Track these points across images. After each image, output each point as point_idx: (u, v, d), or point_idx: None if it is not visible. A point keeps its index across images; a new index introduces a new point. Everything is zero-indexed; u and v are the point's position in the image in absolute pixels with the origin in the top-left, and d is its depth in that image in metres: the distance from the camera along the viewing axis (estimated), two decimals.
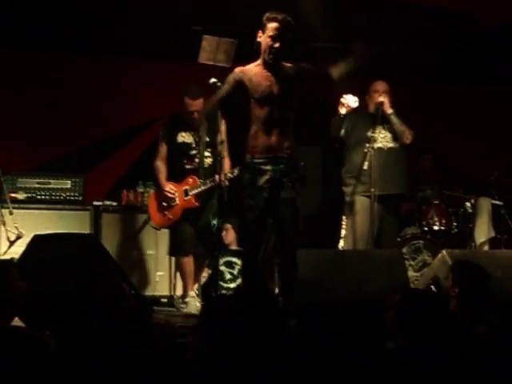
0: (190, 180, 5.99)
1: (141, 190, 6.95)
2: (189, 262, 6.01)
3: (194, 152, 6.03)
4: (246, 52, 7.00)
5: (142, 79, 7.67)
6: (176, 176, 6.04)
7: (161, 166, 6.08)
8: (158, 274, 6.72)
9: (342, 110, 5.86)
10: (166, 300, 6.69)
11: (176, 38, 7.00)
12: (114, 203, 6.89)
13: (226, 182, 5.74)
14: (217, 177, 5.57)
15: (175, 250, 6.16)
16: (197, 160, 6.01)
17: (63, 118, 7.53)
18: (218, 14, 6.65)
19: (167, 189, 6.00)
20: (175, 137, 6.07)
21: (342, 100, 5.80)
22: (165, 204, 6.03)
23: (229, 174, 5.80)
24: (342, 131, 6.25)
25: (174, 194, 5.98)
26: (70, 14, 6.69)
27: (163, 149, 6.10)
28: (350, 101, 5.73)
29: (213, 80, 5.50)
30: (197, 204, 5.94)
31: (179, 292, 6.66)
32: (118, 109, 7.62)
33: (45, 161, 7.37)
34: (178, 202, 6.00)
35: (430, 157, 7.81)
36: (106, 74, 7.64)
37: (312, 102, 8.05)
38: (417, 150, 7.46)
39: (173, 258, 6.49)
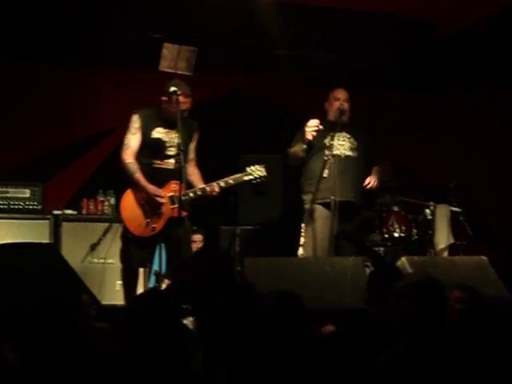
0: (175, 186, 5.48)
1: (101, 198, 6.91)
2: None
3: (167, 153, 5.57)
4: (206, 60, 7.09)
5: (103, 87, 7.63)
6: (146, 176, 5.53)
7: (135, 163, 5.53)
8: (118, 283, 6.65)
9: (309, 136, 5.94)
10: None
11: (136, 46, 6.97)
12: (74, 212, 6.84)
13: (216, 191, 5.56)
14: (207, 187, 5.50)
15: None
16: (171, 161, 5.53)
17: (22, 126, 7.46)
18: (178, 21, 6.64)
19: (157, 193, 5.48)
20: (151, 131, 5.59)
21: (306, 128, 5.88)
22: (146, 211, 5.54)
23: (222, 184, 5.58)
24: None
25: (163, 198, 5.48)
26: (30, 21, 6.62)
27: (136, 142, 5.56)
28: (313, 125, 5.83)
29: (173, 89, 5.51)
30: (185, 213, 5.46)
31: None
32: (79, 117, 7.57)
33: (3, 169, 7.28)
34: (163, 210, 5.53)
35: (389, 163, 7.87)
36: (66, 81, 7.59)
37: (274, 111, 8.14)
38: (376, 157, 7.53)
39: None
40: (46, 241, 6.44)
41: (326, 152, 6.14)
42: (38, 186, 6.76)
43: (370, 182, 6.40)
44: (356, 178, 6.37)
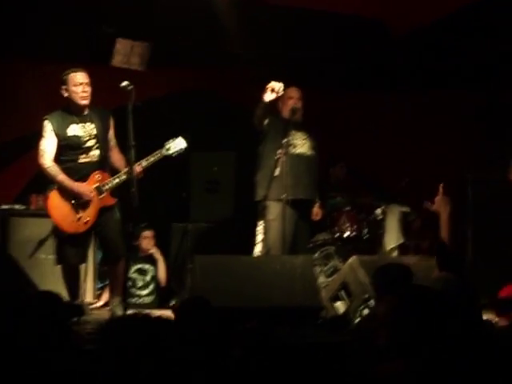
0: (99, 176, 5.57)
1: None
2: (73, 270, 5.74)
3: (88, 145, 5.57)
4: (161, 56, 7.04)
5: (53, 83, 7.51)
6: (71, 173, 5.54)
7: (55, 165, 5.51)
8: None
9: (268, 97, 5.93)
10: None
11: (88, 40, 6.88)
12: (23, 207, 6.73)
13: (138, 171, 5.52)
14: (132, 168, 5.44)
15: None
16: (94, 153, 5.58)
17: None
18: (131, 16, 6.58)
19: (83, 189, 5.50)
20: (65, 130, 5.56)
21: (269, 85, 5.87)
22: (75, 207, 5.52)
23: (144, 163, 5.57)
24: (265, 122, 6.26)
25: (91, 194, 5.51)
26: None
27: (51, 145, 5.53)
28: (277, 86, 5.82)
29: (125, 83, 5.47)
30: (114, 201, 5.57)
31: (89, 298, 6.61)
32: (28, 111, 7.43)
33: None
34: (92, 202, 5.54)
35: (344, 164, 7.94)
36: (16, 75, 7.46)
37: (227, 108, 8.12)
38: (329, 157, 7.59)
39: (82, 266, 6.36)
40: None
41: (279, 150, 6.16)
42: None
43: (318, 214, 6.53)
44: (314, 176, 6.47)
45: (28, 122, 7.49)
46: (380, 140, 8.63)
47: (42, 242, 6.53)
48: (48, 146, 5.54)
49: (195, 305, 3.60)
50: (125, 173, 5.54)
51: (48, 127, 5.56)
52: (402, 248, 7.57)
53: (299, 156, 6.34)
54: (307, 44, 7.21)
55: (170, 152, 5.71)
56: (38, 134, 5.62)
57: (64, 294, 5.99)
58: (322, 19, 6.71)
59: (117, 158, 5.74)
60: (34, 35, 6.74)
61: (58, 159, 5.56)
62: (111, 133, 5.76)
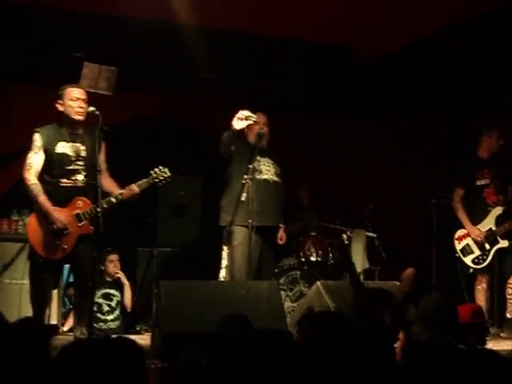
0: (80, 202, 5.43)
1: (15, 218, 6.75)
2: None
3: (73, 167, 5.44)
4: (126, 80, 7.05)
5: (20, 106, 7.50)
6: (51, 195, 5.39)
7: (38, 185, 5.35)
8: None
9: (238, 125, 5.96)
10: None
11: (56, 64, 6.88)
12: None
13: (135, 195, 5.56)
14: (115, 194, 5.46)
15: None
16: (79, 177, 5.45)
17: None
18: (99, 41, 6.60)
19: (58, 217, 5.34)
20: (54, 146, 5.43)
21: (239, 114, 5.92)
22: (53, 232, 5.37)
23: (135, 187, 5.56)
24: (232, 148, 6.29)
25: (64, 225, 5.35)
26: None
27: (39, 161, 5.40)
28: (247, 114, 5.87)
29: (91, 108, 5.47)
30: (91, 230, 5.33)
31: (54, 322, 6.56)
32: None
33: None
34: (70, 229, 5.39)
35: (308, 188, 8.01)
36: None
37: (195, 133, 8.15)
38: (294, 181, 7.63)
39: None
40: None
41: (245, 176, 6.18)
42: None
43: (282, 239, 6.59)
44: (280, 203, 6.51)
45: None
46: (346, 165, 8.71)
47: (6, 267, 6.48)
48: (35, 160, 5.41)
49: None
50: (106, 201, 5.43)
51: (38, 141, 5.44)
52: (366, 273, 7.63)
53: (265, 182, 6.38)
54: (273, 70, 7.27)
55: (157, 180, 5.70)
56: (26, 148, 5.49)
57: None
58: (287, 46, 6.78)
59: (107, 182, 5.63)
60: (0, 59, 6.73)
61: (41, 177, 5.42)
62: (102, 155, 5.62)
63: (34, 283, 5.59)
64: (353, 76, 7.40)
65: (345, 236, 7.51)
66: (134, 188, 5.56)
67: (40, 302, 5.61)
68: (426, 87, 7.76)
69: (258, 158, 6.35)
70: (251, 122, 6.08)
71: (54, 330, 5.22)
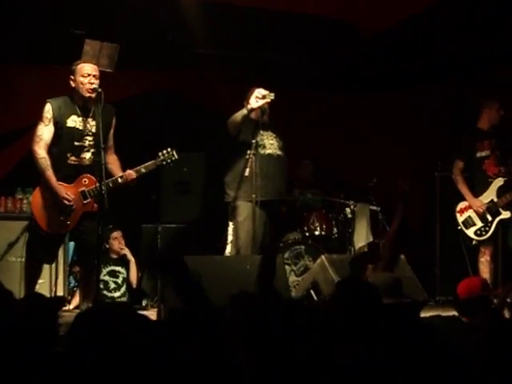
0: (86, 180, 5.47)
1: (20, 196, 6.77)
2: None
3: (82, 143, 5.44)
4: (128, 56, 7.03)
5: (22, 84, 7.49)
6: (58, 171, 5.40)
7: (47, 159, 5.33)
8: (39, 281, 6.56)
9: (256, 104, 5.95)
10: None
11: (57, 42, 6.86)
12: None
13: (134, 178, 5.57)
14: (122, 176, 5.49)
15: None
16: (87, 155, 5.45)
17: None
18: (100, 18, 6.57)
19: (63, 196, 5.35)
20: (66, 119, 5.42)
21: (256, 93, 5.90)
22: (58, 208, 5.39)
23: (143, 170, 5.59)
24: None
25: (70, 202, 5.38)
26: None
27: (49, 133, 5.39)
28: (265, 93, 5.85)
29: (93, 86, 5.47)
30: (96, 208, 5.35)
31: None
32: None
33: None
34: (75, 206, 5.42)
35: (309, 162, 7.99)
36: None
37: (197, 110, 8.13)
38: (296, 156, 7.62)
39: (53, 266, 6.35)
40: None
41: (248, 151, 6.18)
42: None
43: None
44: (284, 177, 6.53)
45: None
46: (349, 139, 8.69)
47: (11, 245, 6.50)
48: (45, 133, 5.39)
49: None
50: (112, 181, 5.47)
51: (49, 113, 5.41)
52: (371, 246, 7.63)
53: (269, 157, 6.37)
54: (274, 45, 7.24)
55: (164, 163, 5.74)
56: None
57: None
58: (288, 20, 6.74)
59: (113, 159, 5.68)
60: (1, 37, 6.70)
61: (49, 151, 5.41)
62: (111, 133, 5.68)
63: (31, 256, 5.65)
64: (353, 50, 7.37)
65: (348, 210, 7.52)
66: (133, 174, 5.58)
67: (33, 275, 5.65)
68: (426, 61, 7.73)
69: (261, 132, 6.34)
70: (269, 100, 6.06)
71: (62, 301, 5.24)
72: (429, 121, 8.70)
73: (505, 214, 6.79)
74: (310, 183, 7.91)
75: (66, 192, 5.41)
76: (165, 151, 5.73)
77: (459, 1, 6.23)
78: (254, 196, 6.05)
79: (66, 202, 5.38)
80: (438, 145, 8.55)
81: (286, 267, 6.69)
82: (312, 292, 5.49)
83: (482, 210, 6.80)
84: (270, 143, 6.40)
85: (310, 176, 7.97)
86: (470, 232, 6.89)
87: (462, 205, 6.94)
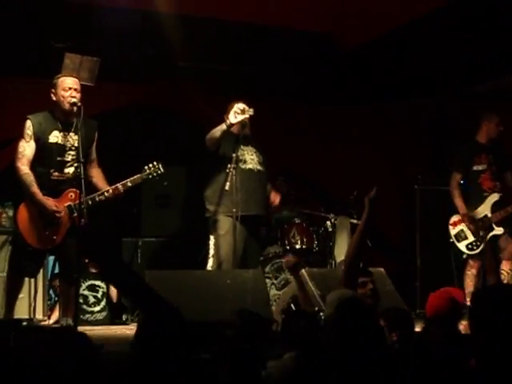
0: (72, 194, 5.43)
1: None
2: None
3: (64, 158, 5.44)
4: (108, 70, 7.02)
5: (2, 96, 7.45)
6: (43, 187, 5.38)
7: (31, 175, 5.32)
8: (20, 296, 6.50)
9: (235, 119, 5.94)
10: (25, 323, 6.48)
11: (38, 55, 6.84)
12: None
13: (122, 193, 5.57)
14: (109, 189, 5.48)
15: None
16: (70, 170, 5.44)
17: None
18: (80, 31, 6.56)
19: (52, 209, 5.35)
20: (47, 135, 5.42)
21: (235, 108, 5.89)
22: (44, 223, 5.38)
23: (129, 183, 5.58)
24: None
25: (61, 213, 5.38)
26: None
27: (30, 150, 5.37)
28: (246, 108, 5.85)
29: (73, 100, 5.46)
30: (84, 222, 5.22)
31: (39, 315, 6.54)
32: None
33: None
34: (61, 221, 5.41)
35: (283, 178, 7.92)
36: None
37: (179, 123, 8.12)
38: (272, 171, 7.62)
39: (32, 280, 6.31)
40: None
41: (229, 165, 6.17)
42: None
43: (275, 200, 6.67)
44: (264, 192, 6.54)
45: None
46: (329, 152, 8.71)
47: None
48: (27, 150, 5.38)
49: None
50: (99, 194, 5.49)
51: (30, 129, 5.41)
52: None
53: (249, 171, 6.37)
54: (255, 58, 7.25)
55: (150, 176, 5.73)
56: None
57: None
58: (270, 33, 6.76)
59: (96, 172, 5.68)
60: None
61: (32, 167, 5.40)
62: (93, 146, 5.67)
63: (14, 271, 5.62)
64: (334, 62, 7.39)
65: (329, 223, 7.52)
66: (120, 188, 5.58)
67: (14, 290, 5.62)
68: (407, 74, 7.77)
69: (242, 146, 6.34)
70: (247, 116, 6.06)
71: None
72: (409, 134, 8.75)
73: (498, 230, 6.73)
74: (287, 200, 7.85)
75: (55, 204, 5.39)
76: (150, 165, 5.73)
77: (441, 16, 6.25)
78: (234, 210, 6.05)
79: (56, 214, 5.37)
80: (418, 158, 8.61)
81: (267, 281, 6.69)
82: (292, 306, 5.47)
83: (472, 228, 6.77)
84: (250, 158, 6.40)
85: (285, 193, 7.93)
86: (462, 245, 6.84)
87: (455, 218, 6.89)
